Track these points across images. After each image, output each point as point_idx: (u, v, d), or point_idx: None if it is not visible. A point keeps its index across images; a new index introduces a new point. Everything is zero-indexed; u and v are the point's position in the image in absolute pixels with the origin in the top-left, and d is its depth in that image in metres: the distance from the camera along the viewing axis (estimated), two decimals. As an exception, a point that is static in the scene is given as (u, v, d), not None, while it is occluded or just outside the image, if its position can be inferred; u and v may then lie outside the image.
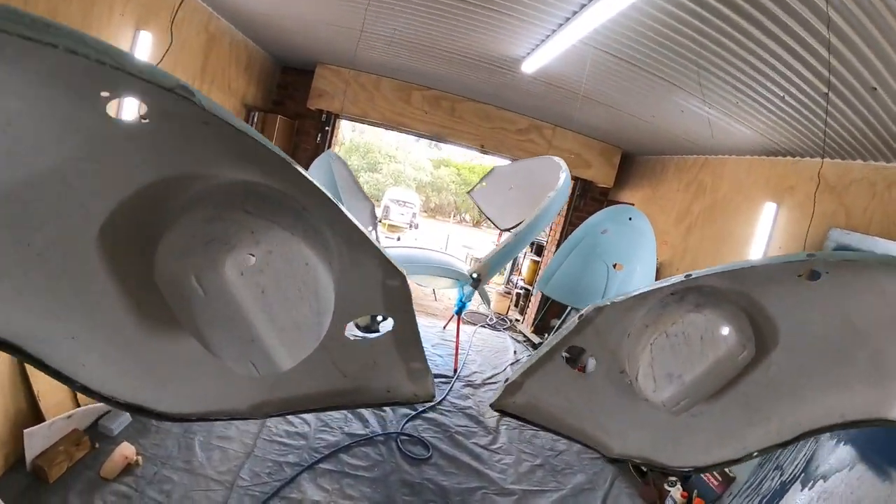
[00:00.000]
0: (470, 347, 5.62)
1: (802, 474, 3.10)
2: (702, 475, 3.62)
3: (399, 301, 1.37)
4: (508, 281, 8.10)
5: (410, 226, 15.80)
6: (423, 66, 4.68)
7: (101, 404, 3.04)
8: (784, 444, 1.50)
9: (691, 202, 4.80)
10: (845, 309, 1.33)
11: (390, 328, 1.45)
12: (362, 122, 6.20)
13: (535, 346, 6.07)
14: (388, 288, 1.34)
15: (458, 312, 5.26)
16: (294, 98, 5.83)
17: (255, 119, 5.29)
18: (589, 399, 1.65)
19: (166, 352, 1.28)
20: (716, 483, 3.51)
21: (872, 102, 2.55)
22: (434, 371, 4.62)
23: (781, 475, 3.21)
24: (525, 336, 6.37)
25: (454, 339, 5.71)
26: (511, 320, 7.07)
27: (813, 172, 3.55)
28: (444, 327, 6.13)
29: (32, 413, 2.68)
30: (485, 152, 5.96)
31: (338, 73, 5.45)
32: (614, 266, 4.09)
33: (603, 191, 6.35)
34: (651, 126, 4.52)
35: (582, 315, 1.52)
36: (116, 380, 1.23)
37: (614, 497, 3.57)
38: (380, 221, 15.32)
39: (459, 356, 5.16)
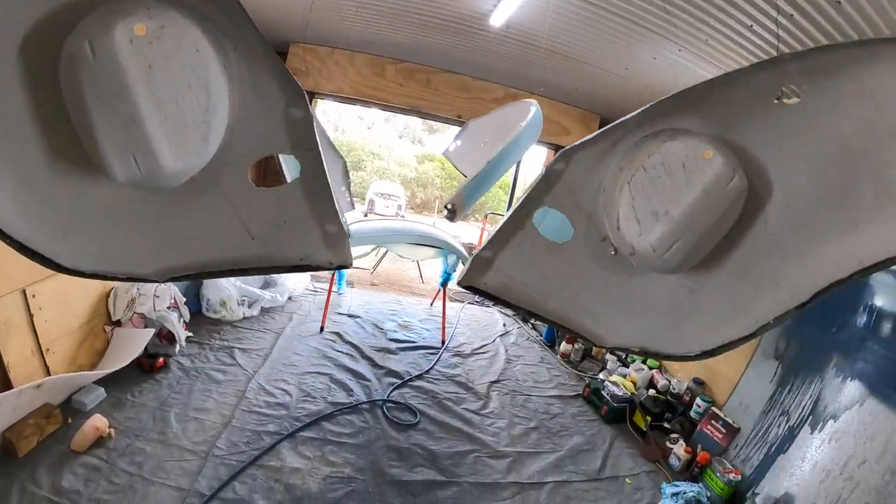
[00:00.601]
0: (458, 322, 5.36)
1: (810, 417, 2.88)
2: (705, 429, 3.39)
3: (304, 137, 1.22)
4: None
5: (395, 217, 15.47)
6: (395, 35, 4.46)
7: (74, 377, 2.82)
8: (802, 307, 1.25)
9: None
10: (833, 130, 1.13)
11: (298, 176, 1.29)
12: (337, 98, 5.93)
13: (524, 320, 5.81)
14: (292, 120, 1.20)
15: (444, 284, 5.02)
16: None
17: None
18: (570, 277, 1.41)
19: (75, 199, 1.19)
20: (720, 436, 3.28)
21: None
22: (422, 343, 4.39)
23: (788, 420, 2.98)
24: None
25: (435, 318, 5.47)
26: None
27: None
28: (432, 304, 5.87)
29: (2, 385, 2.45)
30: (462, 123, 5.71)
31: (311, 51, 5.20)
32: None
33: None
34: (625, 81, 4.31)
35: (550, 166, 1.33)
36: (19, 219, 1.14)
37: (614, 457, 3.32)
38: (365, 216, 15.09)
39: (448, 330, 4.89)
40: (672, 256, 1.22)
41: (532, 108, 2.81)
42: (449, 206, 2.31)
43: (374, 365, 4.01)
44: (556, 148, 6.07)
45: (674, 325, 1.40)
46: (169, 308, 3.58)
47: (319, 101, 5.96)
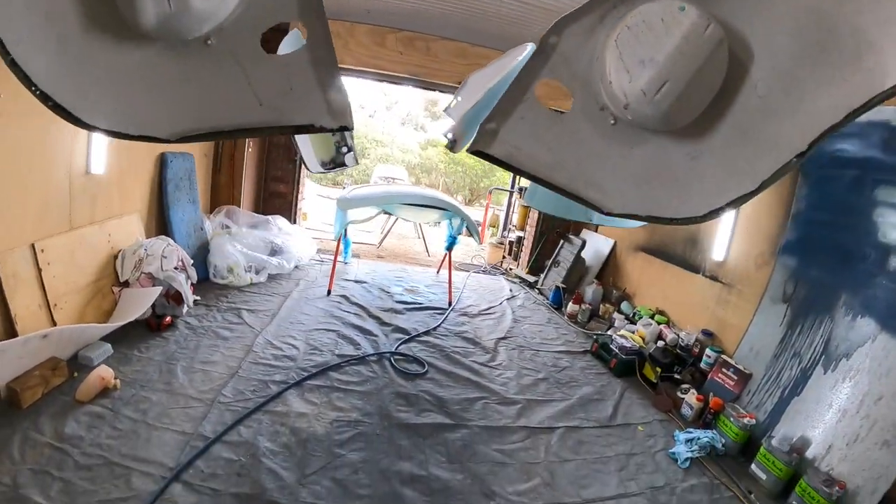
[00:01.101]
0: (464, 288, 5.25)
1: (823, 357, 2.74)
2: (716, 378, 3.26)
3: (312, 3, 1.29)
4: (502, 235, 7.71)
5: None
6: (394, 3, 4.28)
7: (82, 329, 2.75)
8: (801, 156, 1.29)
9: None
10: None
11: (304, 43, 1.35)
12: (342, 71, 5.77)
13: (530, 286, 5.68)
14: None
15: (449, 249, 4.89)
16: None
17: None
18: (574, 148, 1.44)
19: (102, 60, 1.24)
20: (731, 383, 3.15)
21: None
22: (428, 305, 4.29)
23: (800, 362, 2.84)
24: (520, 277, 5.99)
25: (442, 284, 5.36)
26: (506, 268, 6.67)
27: None
28: (438, 271, 5.76)
29: (8, 337, 2.36)
30: (451, 104, 5.55)
31: None
32: None
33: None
34: None
35: (544, 39, 1.38)
36: (51, 74, 1.20)
37: (625, 406, 3.20)
38: None
39: (455, 294, 4.78)
40: (663, 99, 1.26)
41: (529, 46, 2.67)
42: (450, 136, 2.18)
43: (382, 323, 3.91)
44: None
45: (679, 191, 1.41)
46: (176, 269, 3.49)
47: None
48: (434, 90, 5.76)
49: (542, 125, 1.42)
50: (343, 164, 2.46)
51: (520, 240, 6.68)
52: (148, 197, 3.88)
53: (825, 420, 2.60)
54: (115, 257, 3.36)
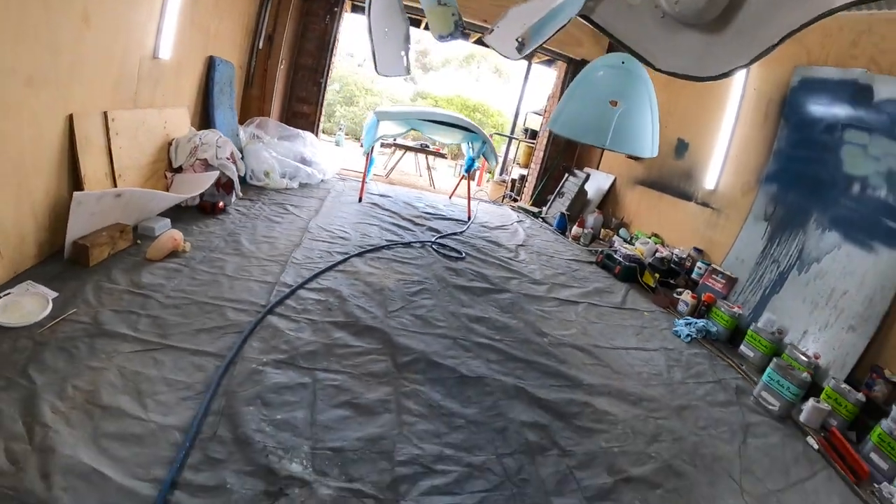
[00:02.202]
0: (478, 211, 5.46)
1: (797, 262, 3.13)
2: (707, 282, 3.64)
3: None
4: (501, 174, 7.92)
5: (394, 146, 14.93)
6: None
7: (152, 194, 2.74)
8: (772, 48, 1.72)
9: None
10: None
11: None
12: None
13: (535, 215, 5.96)
14: None
15: (468, 170, 5.07)
16: None
17: None
18: (637, 27, 2.01)
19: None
20: (720, 286, 3.53)
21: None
22: (451, 217, 4.49)
23: (779, 267, 3.24)
24: (524, 209, 6.25)
25: (463, 204, 5.56)
26: (510, 196, 6.92)
27: None
28: (450, 196, 5.94)
29: None
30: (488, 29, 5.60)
31: None
32: (611, 103, 3.95)
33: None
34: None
35: None
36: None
37: (631, 299, 3.56)
38: (362, 145, 14.49)
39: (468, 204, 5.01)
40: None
41: None
42: (520, 39, 2.38)
43: (415, 224, 4.11)
44: (569, 60, 6.04)
45: (703, 62, 1.97)
46: (228, 159, 3.55)
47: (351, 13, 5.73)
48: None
49: (622, 9, 1.96)
50: (460, 36, 2.76)
51: (522, 177, 6.91)
52: (196, 95, 3.85)
53: (800, 311, 3.01)
54: (170, 144, 3.36)
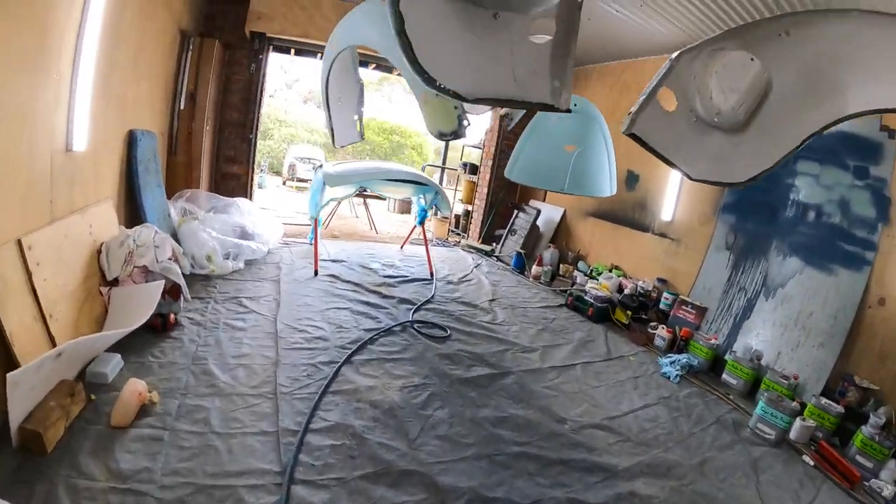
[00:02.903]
0: (434, 263, 5.38)
1: (763, 288, 3.44)
2: (678, 314, 3.87)
3: (570, 9, 1.71)
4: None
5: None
6: None
7: (95, 339, 2.29)
8: (794, 150, 2.07)
9: (618, 99, 4.99)
10: (811, 51, 1.93)
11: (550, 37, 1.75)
12: (301, 45, 5.44)
13: (488, 255, 6.01)
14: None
15: (421, 222, 5.00)
16: (222, 29, 4.93)
17: (192, 45, 4.36)
18: (673, 133, 2.16)
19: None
20: (691, 317, 3.77)
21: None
22: (413, 277, 4.39)
23: (746, 294, 3.54)
24: (474, 248, 6.29)
25: (417, 256, 5.46)
26: (457, 238, 6.92)
27: None
28: (402, 247, 5.82)
29: (5, 363, 1.87)
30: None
31: None
32: (567, 147, 4.12)
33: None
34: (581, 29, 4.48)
35: (670, 61, 2.07)
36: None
37: (613, 344, 3.70)
38: (284, 183, 14.00)
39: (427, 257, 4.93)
40: (739, 112, 2.08)
41: None
42: (505, 115, 2.44)
43: (383, 296, 3.94)
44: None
45: (731, 166, 2.19)
46: (171, 259, 3.17)
47: (281, 54, 5.46)
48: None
49: (659, 117, 2.10)
50: (462, 136, 2.48)
51: (467, 213, 6.95)
52: (119, 180, 3.34)
53: (771, 335, 3.31)
54: (99, 252, 2.92)
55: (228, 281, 3.82)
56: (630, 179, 4.87)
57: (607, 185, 3.78)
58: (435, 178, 10.01)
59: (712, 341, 3.44)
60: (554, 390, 2.83)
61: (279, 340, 2.93)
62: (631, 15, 3.69)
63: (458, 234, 7.07)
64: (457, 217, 7.24)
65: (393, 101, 19.23)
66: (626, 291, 4.33)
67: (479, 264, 5.51)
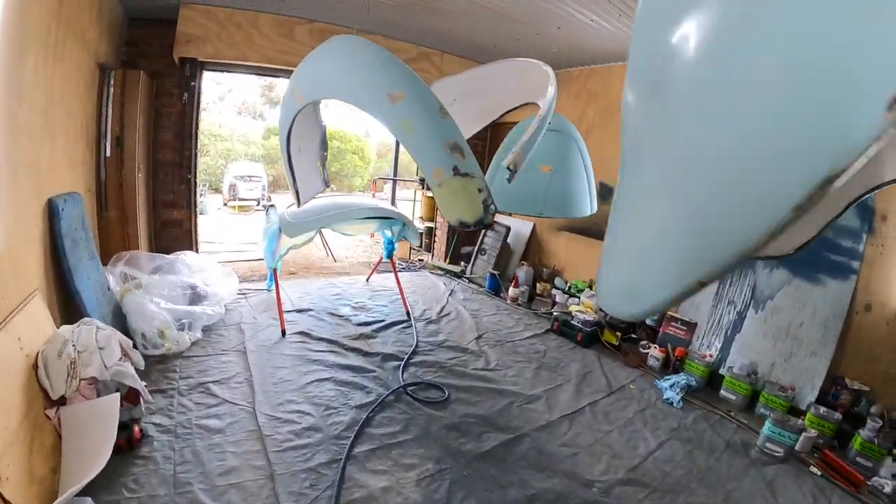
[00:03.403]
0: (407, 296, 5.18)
1: (752, 301, 3.53)
2: (667, 331, 3.92)
3: None
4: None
5: (260, 201, 13.71)
6: None
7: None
8: (868, 192, 1.97)
9: (584, 108, 4.92)
10: None
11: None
12: (239, 69, 4.97)
13: (458, 276, 5.87)
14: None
15: (390, 256, 4.78)
16: (148, 56, 4.40)
17: (113, 78, 3.84)
18: None
19: None
20: (682, 333, 3.83)
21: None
22: (390, 320, 4.19)
23: (735, 308, 3.62)
24: (443, 269, 6.12)
25: (386, 289, 5.23)
26: (418, 261, 6.72)
27: None
28: (368, 279, 5.55)
29: None
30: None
31: (207, 12, 4.23)
32: (542, 168, 4.04)
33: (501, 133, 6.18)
34: (552, 40, 4.31)
35: None
36: None
37: (610, 372, 3.70)
38: (226, 203, 13.23)
39: (400, 299, 4.72)
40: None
41: (550, 71, 2.77)
42: (511, 167, 2.16)
43: (364, 353, 3.70)
44: None
45: (780, 241, 2.04)
46: (121, 359, 2.77)
47: (216, 72, 4.94)
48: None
49: None
50: (490, 225, 2.13)
51: (430, 231, 6.75)
52: (43, 265, 2.84)
53: (764, 347, 3.41)
54: (35, 368, 2.49)
55: (188, 359, 3.42)
56: (603, 192, 4.87)
57: (587, 205, 3.72)
58: (387, 189, 9.72)
59: (707, 359, 3.51)
60: (571, 446, 2.75)
61: (266, 440, 2.63)
62: (607, 25, 3.59)
63: (421, 253, 6.87)
64: (420, 235, 7.02)
65: (329, 106, 18.63)
66: (611, 310, 4.33)
67: (452, 290, 5.36)
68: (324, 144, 3.18)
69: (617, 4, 3.17)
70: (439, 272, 6.01)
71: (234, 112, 19.77)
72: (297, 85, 2.59)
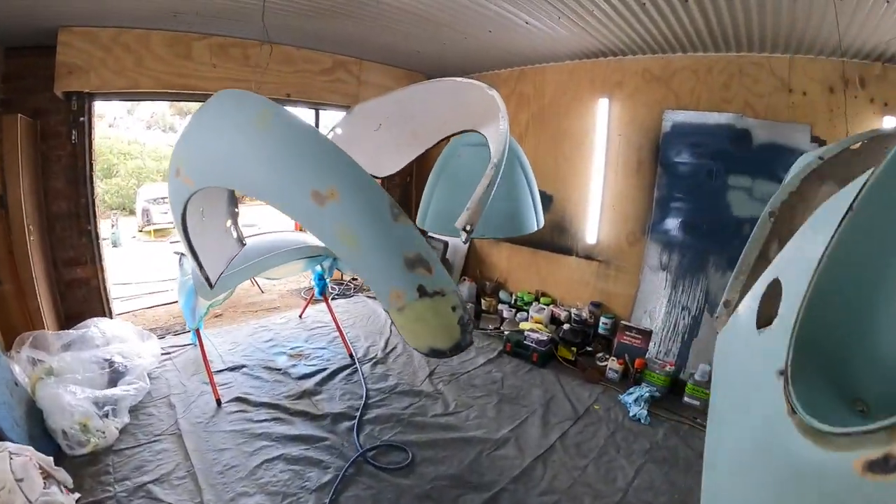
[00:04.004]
0: (341, 324, 4.87)
1: (706, 304, 3.66)
2: (622, 340, 3.97)
3: None
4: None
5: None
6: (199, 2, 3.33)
7: None
8: None
9: (515, 113, 4.82)
10: None
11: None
12: (132, 97, 4.31)
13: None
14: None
15: (322, 292, 4.46)
16: (30, 91, 3.70)
17: None
18: None
19: None
20: (638, 341, 3.90)
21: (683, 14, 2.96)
22: (333, 367, 3.90)
23: (690, 312, 3.74)
24: (380, 291, 5.85)
25: (323, 325, 4.90)
26: (351, 280, 6.40)
27: (638, 68, 3.90)
28: (301, 315, 5.16)
29: None
30: (292, 102, 4.85)
31: (89, 35, 3.59)
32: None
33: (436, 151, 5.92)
34: (482, 43, 4.12)
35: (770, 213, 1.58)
36: None
37: (571, 391, 3.70)
38: (141, 230, 12.31)
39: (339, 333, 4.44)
40: None
41: (497, 98, 2.53)
42: (468, 229, 1.95)
43: (312, 417, 3.38)
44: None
45: None
46: (46, 485, 2.31)
47: (109, 101, 4.24)
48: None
49: None
50: (467, 347, 1.68)
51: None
52: None
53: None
54: None
55: (120, 454, 2.91)
56: (542, 201, 4.85)
57: (533, 220, 3.65)
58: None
59: (668, 368, 3.60)
60: (551, 493, 2.68)
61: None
62: (542, 26, 3.46)
63: (346, 282, 6.54)
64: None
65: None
66: (564, 325, 4.34)
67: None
68: (233, 200, 2.81)
69: (556, 6, 3.02)
70: (373, 295, 5.73)
71: (144, 126, 18.34)
72: (181, 166, 2.02)
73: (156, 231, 11.95)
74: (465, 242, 2.07)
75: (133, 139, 16.99)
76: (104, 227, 10.94)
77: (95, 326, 3.83)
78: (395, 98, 3.18)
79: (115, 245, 10.22)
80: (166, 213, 12.81)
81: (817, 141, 3.27)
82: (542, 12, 3.16)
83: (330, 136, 3.41)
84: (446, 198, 4.02)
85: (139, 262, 8.80)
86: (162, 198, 12.79)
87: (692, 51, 3.63)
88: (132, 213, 13.32)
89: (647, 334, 3.90)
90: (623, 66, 4.07)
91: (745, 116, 3.53)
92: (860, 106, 3.12)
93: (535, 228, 3.76)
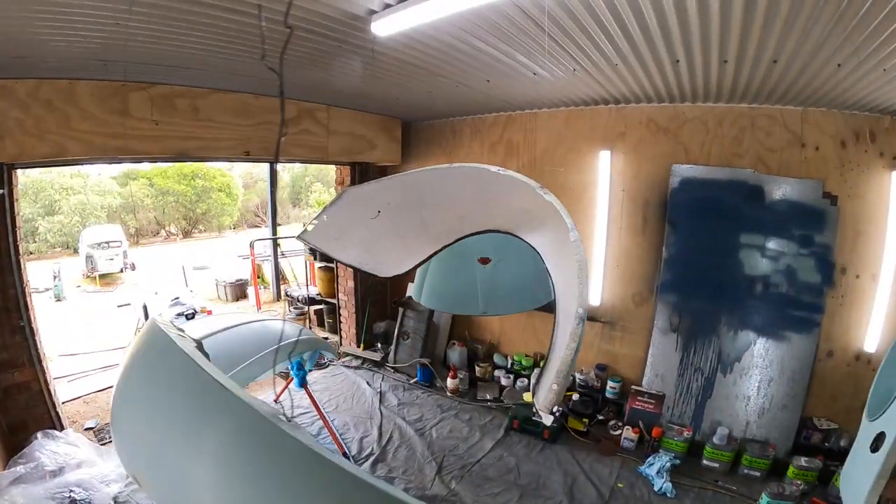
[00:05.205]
0: (323, 410, 4.60)
1: (719, 365, 3.73)
2: (635, 406, 3.97)
3: None
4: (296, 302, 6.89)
5: (124, 269, 12.50)
6: (139, 45, 2.80)
7: None
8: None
9: (503, 162, 4.69)
10: None
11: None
12: (58, 164, 3.78)
13: (377, 364, 5.42)
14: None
15: (303, 383, 4.19)
16: None
17: None
18: None
19: None
20: (651, 406, 3.91)
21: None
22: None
23: (703, 374, 3.80)
24: (359, 357, 5.61)
25: (303, 410, 4.62)
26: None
27: (641, 117, 3.85)
28: (276, 400, 4.83)
29: None
30: (252, 160, 4.53)
31: (2, 89, 3.03)
32: (481, 261, 3.82)
33: (381, 169, 5.68)
34: (475, 93, 3.96)
35: None
36: None
37: (591, 470, 3.68)
38: (88, 276, 11.96)
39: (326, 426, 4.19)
40: None
41: (557, 205, 2.16)
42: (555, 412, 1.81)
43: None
44: (353, 165, 5.48)
45: None
46: None
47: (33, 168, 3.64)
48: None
49: None
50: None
51: (333, 308, 6.13)
52: None
53: (737, 408, 3.64)
54: None
55: None
56: (537, 257, 4.79)
57: (540, 295, 3.58)
58: (266, 249, 8.88)
59: (686, 434, 3.63)
60: None
61: None
62: (551, 77, 3.32)
63: (329, 339, 6.26)
64: (318, 313, 6.37)
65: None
66: (573, 395, 4.28)
67: (380, 392, 4.91)
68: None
69: (577, 58, 2.84)
70: (357, 365, 5.49)
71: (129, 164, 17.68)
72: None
73: (101, 279, 11.55)
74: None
75: (75, 171, 16.72)
76: (46, 277, 10.25)
77: (44, 450, 3.46)
78: (401, 181, 2.93)
79: (58, 299, 9.93)
80: (112, 258, 12.46)
81: (829, 197, 3.39)
82: (559, 66, 3.02)
83: (313, 228, 3.16)
84: (442, 274, 3.92)
85: (85, 318, 8.42)
86: (106, 242, 12.34)
87: (702, 101, 3.60)
88: (76, 251, 13.18)
89: (660, 398, 3.91)
90: (625, 114, 4.02)
91: (758, 172, 3.57)
92: (870, 160, 3.27)
93: (541, 304, 3.71)
